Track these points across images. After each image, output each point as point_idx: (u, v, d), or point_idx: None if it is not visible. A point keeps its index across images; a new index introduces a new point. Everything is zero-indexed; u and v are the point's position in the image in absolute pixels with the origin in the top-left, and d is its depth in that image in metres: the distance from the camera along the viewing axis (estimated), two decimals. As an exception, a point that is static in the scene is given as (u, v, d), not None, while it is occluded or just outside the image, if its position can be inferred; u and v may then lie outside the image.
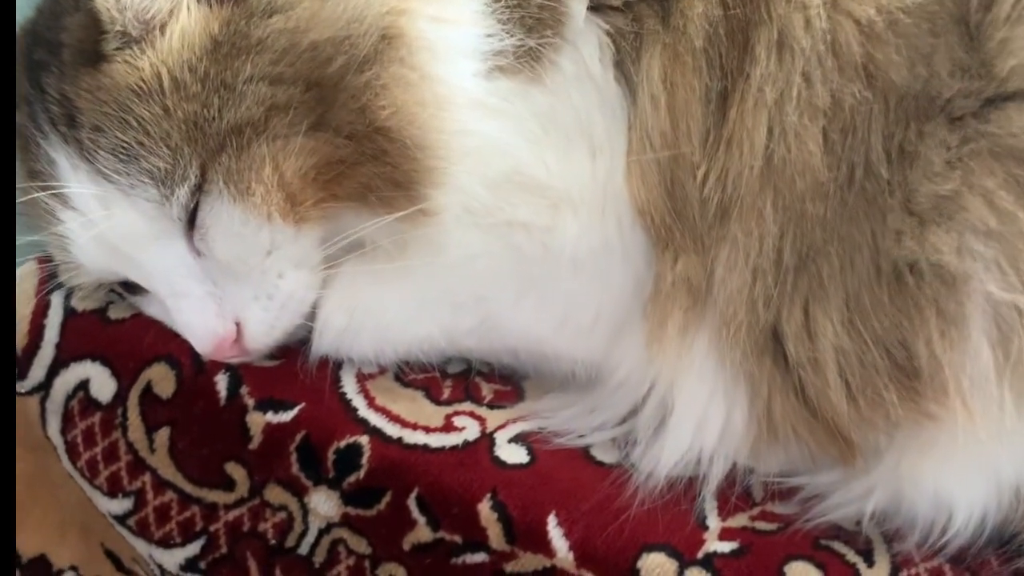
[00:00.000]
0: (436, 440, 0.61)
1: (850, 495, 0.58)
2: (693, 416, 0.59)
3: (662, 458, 0.59)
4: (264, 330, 0.61)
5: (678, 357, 0.59)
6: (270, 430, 0.61)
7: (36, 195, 0.61)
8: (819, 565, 0.56)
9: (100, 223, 0.58)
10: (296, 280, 0.61)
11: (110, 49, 0.58)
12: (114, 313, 0.66)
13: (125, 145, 0.57)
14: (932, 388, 0.55)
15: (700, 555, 0.56)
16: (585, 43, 0.61)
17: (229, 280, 0.60)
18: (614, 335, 0.62)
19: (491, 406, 0.65)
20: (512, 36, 0.59)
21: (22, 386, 0.66)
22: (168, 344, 0.64)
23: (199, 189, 0.57)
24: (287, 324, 0.62)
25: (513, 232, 0.60)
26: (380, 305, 0.63)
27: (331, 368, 0.64)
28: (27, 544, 0.70)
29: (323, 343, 0.63)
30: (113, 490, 0.64)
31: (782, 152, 0.56)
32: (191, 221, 0.59)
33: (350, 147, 0.57)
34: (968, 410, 0.54)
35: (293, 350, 0.65)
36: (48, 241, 0.64)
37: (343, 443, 0.60)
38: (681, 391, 0.59)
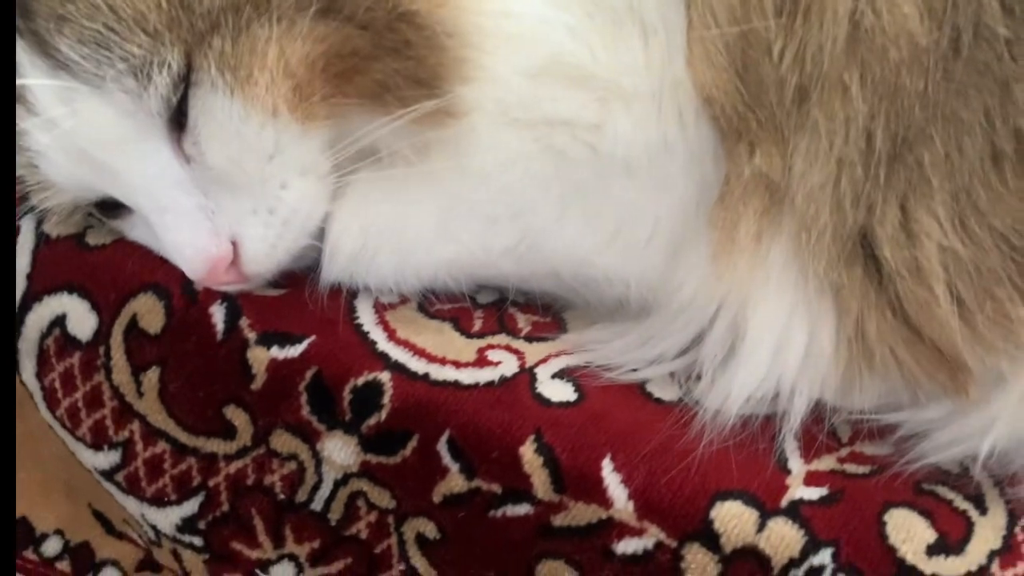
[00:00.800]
0: (468, 376, 0.53)
1: (962, 432, 0.49)
2: (770, 339, 0.51)
3: (733, 391, 0.51)
4: (265, 250, 0.53)
5: (751, 269, 0.50)
6: (275, 367, 0.53)
7: None
8: (924, 512, 0.48)
9: (62, 122, 0.50)
10: (302, 190, 0.52)
11: None
12: (92, 239, 0.58)
13: (93, 33, 0.49)
14: None
15: (784, 503, 0.48)
16: None
17: (224, 191, 0.52)
18: (674, 250, 0.53)
19: (529, 339, 0.57)
20: None
21: (-10, 325, 0.59)
22: (155, 271, 0.56)
23: (184, 79, 0.49)
24: (291, 243, 0.54)
25: (555, 132, 0.52)
26: (400, 222, 0.55)
27: (345, 297, 0.56)
28: (5, 505, 0.63)
29: (334, 268, 0.55)
30: (98, 441, 0.57)
31: (871, 17, 0.48)
32: (178, 120, 0.50)
33: (365, 37, 0.49)
34: None
35: (300, 277, 0.57)
36: (21, 165, 0.56)
37: (361, 380, 0.52)
38: (755, 310, 0.51)
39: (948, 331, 0.48)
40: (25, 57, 0.51)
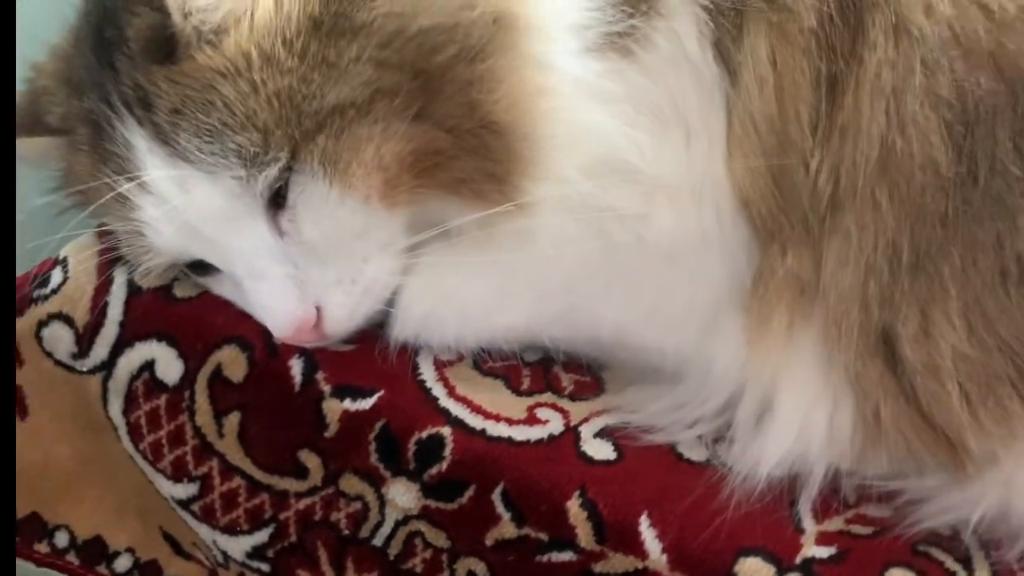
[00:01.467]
0: (520, 433, 0.59)
1: (955, 501, 0.57)
2: (797, 416, 0.57)
3: (763, 458, 0.58)
4: (345, 315, 0.60)
5: (783, 354, 0.57)
6: (347, 418, 0.60)
7: (109, 181, 0.59)
8: (919, 572, 0.55)
9: (181, 207, 0.56)
10: (381, 264, 0.59)
11: (182, 53, 0.56)
12: (180, 291, 0.64)
13: (208, 127, 0.55)
14: None
15: (798, 560, 0.55)
16: (681, 19, 0.58)
17: (312, 263, 0.59)
18: (707, 329, 0.60)
19: (572, 397, 0.63)
20: (609, 10, 0.57)
21: (82, 364, 0.64)
22: (239, 326, 0.62)
23: (289, 168, 0.56)
24: (368, 309, 0.60)
25: (606, 220, 0.59)
26: (463, 292, 0.62)
27: (409, 354, 0.62)
28: (83, 525, 0.68)
29: (404, 329, 0.61)
30: (178, 475, 0.63)
31: (901, 144, 0.54)
32: (275, 200, 0.57)
33: (449, 140, 0.56)
34: None
35: (370, 334, 0.63)
36: (116, 225, 0.62)
37: (425, 434, 0.59)
38: (785, 389, 0.58)
39: (956, 421, 0.55)
40: (143, 142, 0.57)
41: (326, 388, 0.60)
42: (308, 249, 0.58)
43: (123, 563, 0.69)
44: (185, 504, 0.64)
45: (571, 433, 0.60)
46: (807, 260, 0.56)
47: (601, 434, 0.61)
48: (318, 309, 0.60)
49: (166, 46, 0.57)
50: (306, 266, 0.59)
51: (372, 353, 0.62)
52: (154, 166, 0.57)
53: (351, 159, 0.55)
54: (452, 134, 0.56)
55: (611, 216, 0.59)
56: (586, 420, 0.61)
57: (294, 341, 0.61)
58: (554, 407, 0.62)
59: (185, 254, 0.62)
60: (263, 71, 0.55)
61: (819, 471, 0.58)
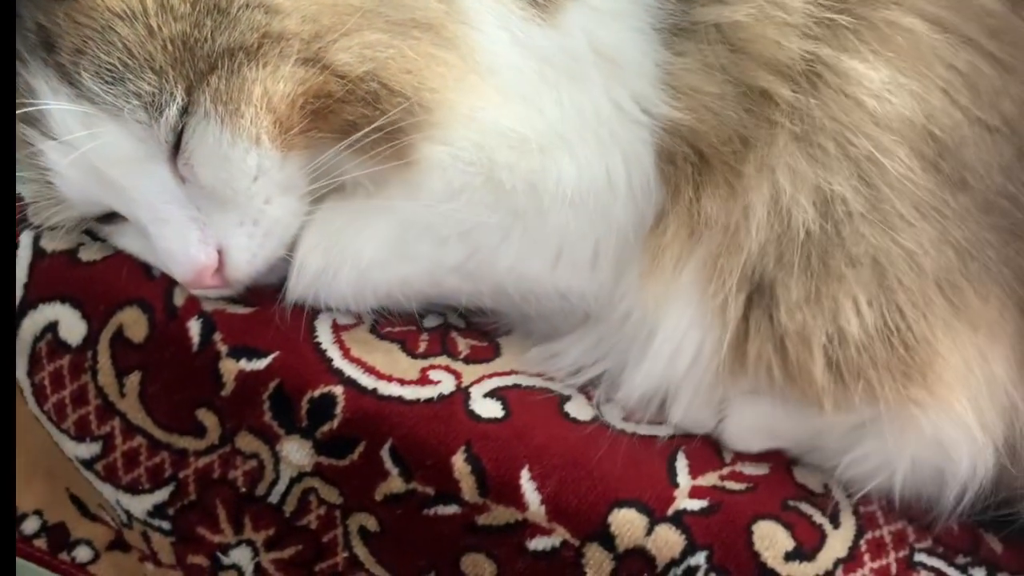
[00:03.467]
0: (411, 392, 0.62)
1: (825, 456, 0.61)
2: (671, 340, 0.62)
3: (636, 379, 0.62)
4: (247, 258, 0.62)
5: (668, 285, 0.61)
6: (243, 377, 0.62)
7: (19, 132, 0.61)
8: (786, 525, 0.59)
9: (83, 144, 0.59)
10: (284, 205, 0.62)
11: None
12: (85, 255, 0.66)
13: (109, 66, 0.58)
14: (924, 377, 0.58)
15: (670, 512, 0.58)
16: None
17: (214, 206, 0.61)
18: (613, 269, 0.63)
19: (467, 361, 0.66)
20: None
21: (-13, 327, 0.67)
22: (140, 288, 0.64)
23: (186, 111, 0.59)
24: (270, 253, 0.63)
25: (497, 172, 0.62)
26: (359, 244, 0.64)
27: (306, 317, 0.65)
28: (-10, 487, 0.71)
29: (299, 286, 0.64)
30: (81, 434, 0.65)
31: None
32: (176, 144, 0.60)
33: (341, 84, 0.59)
34: (957, 398, 0.58)
35: (268, 297, 0.66)
36: (24, 181, 0.64)
37: (317, 392, 0.61)
38: (665, 317, 0.62)
39: (817, 385, 0.59)
40: (46, 85, 0.60)
41: (223, 348, 0.63)
42: (208, 192, 0.61)
43: (31, 525, 0.71)
44: (89, 464, 0.66)
45: (461, 393, 0.63)
46: (718, 203, 0.60)
47: (491, 394, 0.64)
48: (220, 253, 0.61)
49: None
50: (208, 209, 0.61)
51: (270, 315, 0.65)
52: (59, 106, 0.59)
53: (240, 100, 0.58)
54: (344, 80, 0.59)
55: (501, 167, 0.62)
56: (478, 381, 0.64)
57: (196, 286, 0.62)
58: (447, 369, 0.65)
59: (92, 204, 0.64)
60: (158, 16, 0.58)
61: (677, 411, 0.62)
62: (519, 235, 0.64)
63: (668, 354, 0.62)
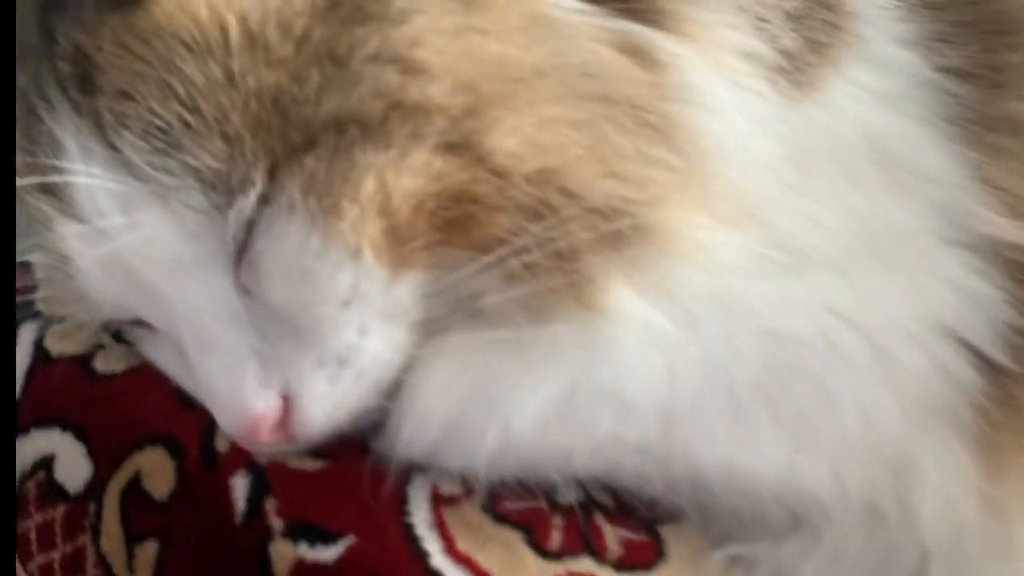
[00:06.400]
0: (542, 622, 0.44)
1: None
2: None
3: None
4: (325, 410, 0.44)
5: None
6: (303, 570, 0.44)
7: (28, 190, 0.44)
8: None
9: (117, 235, 0.42)
10: (385, 338, 0.44)
11: None
12: (102, 363, 0.50)
13: (163, 124, 0.41)
14: None
15: None
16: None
17: (284, 334, 0.43)
18: (900, 455, 0.45)
19: (619, 567, 0.47)
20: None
21: (-36, 449, 0.51)
22: (171, 420, 0.48)
23: (265, 200, 0.41)
24: (357, 403, 0.45)
25: (727, 319, 0.44)
26: (515, 399, 0.45)
27: (396, 480, 0.47)
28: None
29: (414, 445, 0.45)
30: (71, 611, 0.49)
31: None
32: (244, 244, 0.42)
33: (496, 185, 0.41)
34: None
35: (344, 444, 0.48)
36: (34, 256, 0.48)
37: (406, 609, 0.44)
38: None
39: None
40: (75, 142, 0.42)
41: (277, 523, 0.45)
42: (279, 315, 0.43)
43: None
44: (78, 651, 0.50)
45: (615, 627, 0.45)
46: None
47: (657, 631, 0.45)
48: (286, 399, 0.44)
49: None
50: (276, 337, 0.44)
51: (348, 476, 0.47)
52: (90, 173, 0.42)
53: (342, 193, 0.40)
54: (502, 178, 0.41)
55: (737, 317, 0.44)
56: (638, 606, 0.46)
57: (248, 443, 0.45)
58: (593, 581, 0.47)
59: (119, 308, 0.47)
60: (245, 56, 0.41)
61: None
62: (746, 412, 0.45)
63: None
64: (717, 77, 0.45)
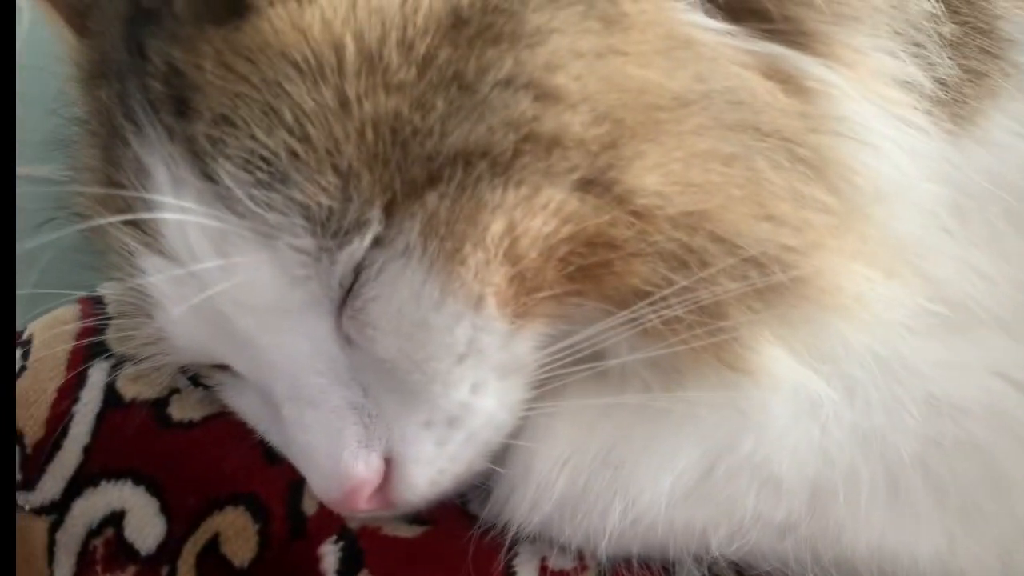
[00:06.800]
0: None
1: None
2: None
3: None
4: (430, 475, 0.40)
5: None
6: (400, 652, 0.40)
7: (106, 224, 0.39)
8: None
9: (212, 281, 0.37)
10: (499, 396, 0.39)
11: (248, 5, 0.37)
12: (178, 411, 0.46)
13: (268, 154, 0.36)
14: None
15: None
16: None
17: (390, 390, 0.39)
18: None
19: (752, 660, 0.43)
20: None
21: (27, 499, 0.46)
22: (254, 477, 0.44)
23: (378, 242, 0.36)
24: (465, 468, 0.40)
25: (891, 383, 0.39)
26: (647, 472, 0.41)
27: (502, 552, 0.42)
28: None
29: (532, 517, 0.41)
30: None
31: None
32: (349, 289, 0.38)
33: (637, 229, 0.36)
34: None
35: (444, 509, 0.44)
36: (107, 287, 0.45)
37: None
38: None
39: None
40: (166, 170, 0.38)
41: (372, 598, 0.41)
42: (385, 369, 0.39)
43: None
44: None
45: None
46: None
47: None
48: (388, 462, 0.40)
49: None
50: (380, 394, 0.39)
51: (448, 544, 0.42)
52: (177, 207, 0.38)
53: (466, 237, 0.36)
54: (644, 221, 0.36)
55: (902, 381, 0.39)
56: None
57: (345, 509, 0.41)
58: (723, 677, 0.42)
59: (204, 354, 0.42)
60: (361, 80, 0.36)
61: None
62: (906, 491, 0.40)
63: None
64: (873, 108, 0.40)
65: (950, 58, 0.42)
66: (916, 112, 0.41)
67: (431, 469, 0.40)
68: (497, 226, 0.36)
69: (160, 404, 0.46)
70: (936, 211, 0.41)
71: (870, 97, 0.41)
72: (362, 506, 0.40)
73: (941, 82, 0.42)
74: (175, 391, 0.46)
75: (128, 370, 0.47)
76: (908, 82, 0.41)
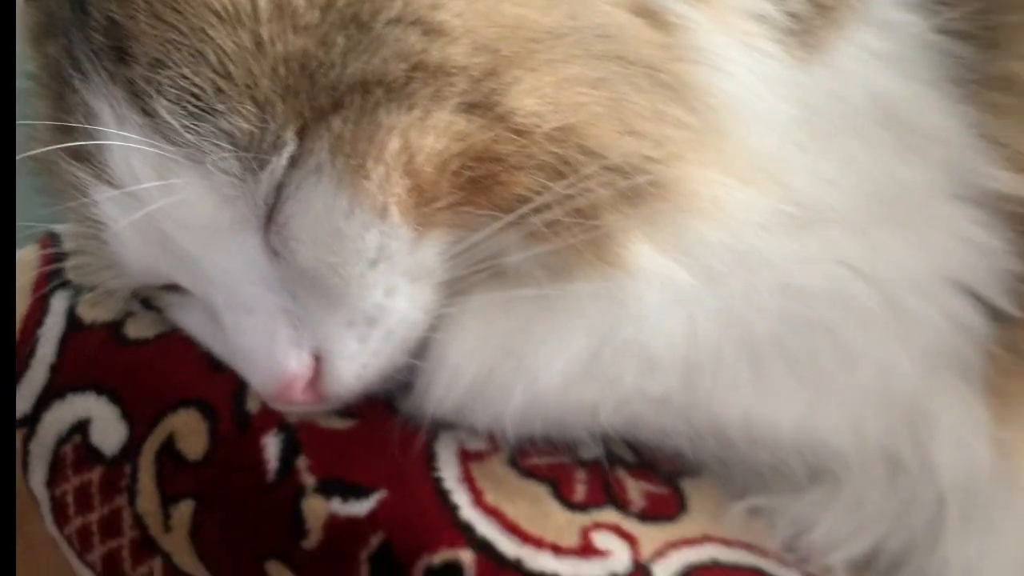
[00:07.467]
0: (571, 569, 0.44)
1: None
2: None
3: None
4: (355, 370, 0.45)
5: None
6: (336, 525, 0.45)
7: (59, 159, 0.45)
8: None
9: (152, 199, 0.43)
10: (412, 298, 0.45)
11: None
12: (133, 330, 0.51)
13: (197, 90, 0.42)
14: None
15: None
16: None
17: (315, 296, 0.45)
18: (917, 400, 0.46)
19: (643, 517, 0.48)
20: None
21: (2, 417, 0.52)
22: (203, 383, 0.49)
23: (295, 162, 0.42)
24: (386, 362, 0.46)
25: (747, 274, 0.45)
26: (543, 357, 0.46)
27: (424, 438, 0.48)
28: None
29: (445, 401, 0.47)
30: (110, 572, 0.50)
31: None
32: (274, 207, 0.43)
33: (518, 145, 0.42)
34: None
35: (373, 405, 0.49)
36: (63, 226, 0.50)
37: (437, 559, 0.44)
38: None
39: None
40: (110, 109, 0.43)
41: (309, 480, 0.46)
42: (309, 277, 0.44)
43: (40, 670, 0.57)
44: (117, 610, 0.51)
45: (640, 573, 0.45)
46: None
47: (682, 576, 0.47)
48: (317, 359, 0.46)
49: None
50: (307, 299, 0.45)
51: (376, 434, 0.48)
52: (121, 139, 0.43)
53: (368, 154, 0.41)
54: (523, 137, 0.42)
55: (756, 272, 0.45)
56: (660, 554, 0.46)
57: (280, 402, 0.47)
58: (617, 531, 0.47)
59: (152, 272, 0.48)
60: (273, 23, 0.42)
61: None
62: (766, 365, 0.46)
63: None
64: (727, 39, 0.46)
65: None
66: (768, 42, 0.47)
67: (355, 364, 0.46)
68: (394, 144, 0.41)
69: (117, 325, 0.51)
70: (788, 127, 0.47)
71: (725, 29, 0.47)
72: (296, 398, 0.46)
73: (792, 14, 0.48)
74: (130, 314, 0.52)
75: (86, 297, 0.52)
76: (761, 15, 0.47)
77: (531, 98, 0.42)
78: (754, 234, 0.46)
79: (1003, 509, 0.46)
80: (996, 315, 0.47)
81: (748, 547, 0.49)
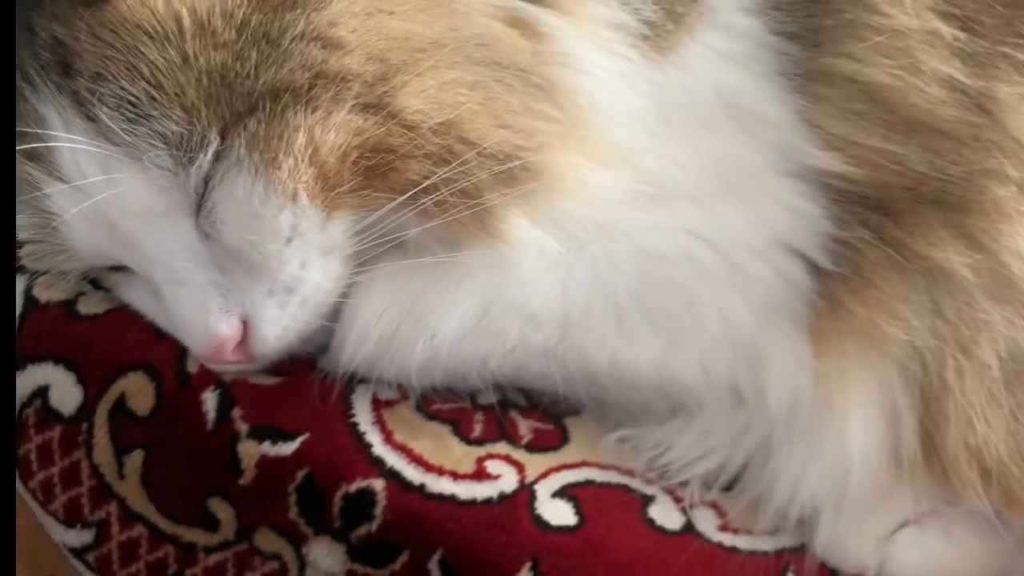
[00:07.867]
0: (466, 490, 0.53)
1: None
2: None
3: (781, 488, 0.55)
4: (277, 332, 0.53)
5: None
6: (266, 464, 0.53)
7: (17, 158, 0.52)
8: None
9: (96, 191, 0.50)
10: (324, 269, 0.53)
11: None
12: (85, 307, 0.58)
13: (132, 99, 0.50)
14: None
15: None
16: None
17: (240, 270, 0.52)
18: (751, 346, 0.55)
19: (531, 448, 0.57)
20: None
21: (-32, 388, 0.59)
22: (148, 350, 0.56)
23: (218, 157, 0.50)
24: (304, 324, 0.54)
25: (607, 243, 0.53)
26: (438, 315, 0.55)
27: (341, 390, 0.56)
28: (-36, 572, 0.63)
29: (356, 357, 0.55)
30: (71, 519, 0.57)
31: None
32: (203, 195, 0.51)
33: (407, 137, 0.50)
34: None
35: (296, 364, 0.57)
36: (18, 217, 0.56)
37: (353, 487, 0.53)
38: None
39: None
40: (58, 116, 0.51)
41: (243, 427, 0.54)
42: (234, 254, 0.52)
43: (10, 615, 0.64)
44: (79, 553, 0.57)
45: (526, 491, 0.54)
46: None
47: (561, 494, 0.55)
48: (245, 324, 0.53)
49: None
50: (233, 273, 0.53)
51: (301, 388, 0.56)
52: (69, 140, 0.51)
53: (279, 148, 0.49)
54: (413, 132, 0.50)
55: (615, 241, 0.53)
56: (544, 476, 0.55)
57: (214, 361, 0.54)
58: (508, 460, 0.56)
59: (99, 254, 0.56)
60: (196, 41, 0.50)
61: (843, 516, 0.55)
62: (627, 318, 0.55)
63: (841, 454, 0.54)
64: (590, 45, 0.54)
65: (655, 3, 0.56)
66: (625, 47, 0.55)
67: (277, 326, 0.54)
68: (301, 140, 0.49)
69: (70, 304, 0.58)
70: (642, 118, 0.55)
71: (588, 37, 0.55)
72: (228, 358, 0.54)
73: (647, 22, 0.56)
74: (81, 293, 0.58)
75: (41, 279, 0.58)
76: (620, 24, 0.56)
77: (417, 98, 0.50)
78: (614, 209, 0.54)
79: (820, 427, 0.56)
80: (816, 270, 0.56)
81: (618, 469, 0.58)
